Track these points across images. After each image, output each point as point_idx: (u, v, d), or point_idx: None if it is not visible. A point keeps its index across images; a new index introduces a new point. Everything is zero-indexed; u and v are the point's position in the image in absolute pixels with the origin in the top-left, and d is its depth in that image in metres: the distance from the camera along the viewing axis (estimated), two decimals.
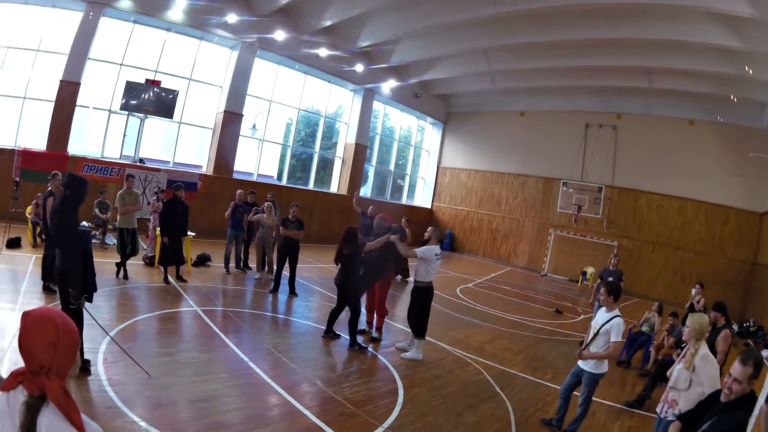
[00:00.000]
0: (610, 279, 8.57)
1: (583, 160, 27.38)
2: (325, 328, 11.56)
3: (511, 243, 30.78)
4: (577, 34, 20.12)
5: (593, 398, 8.15)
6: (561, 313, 18.45)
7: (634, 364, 12.56)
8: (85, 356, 7.65)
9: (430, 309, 11.30)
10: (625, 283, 13.92)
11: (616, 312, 7.71)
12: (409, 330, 11.43)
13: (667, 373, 6.41)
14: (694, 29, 17.58)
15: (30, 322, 2.44)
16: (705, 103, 22.97)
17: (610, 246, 25.98)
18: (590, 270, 25.78)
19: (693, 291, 13.58)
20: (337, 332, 11.53)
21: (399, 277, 19.46)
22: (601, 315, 7.88)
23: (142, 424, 6.41)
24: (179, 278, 14.25)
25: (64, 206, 7.52)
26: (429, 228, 11.46)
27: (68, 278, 7.31)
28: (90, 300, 8.08)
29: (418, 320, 11.08)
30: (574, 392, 8.28)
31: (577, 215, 27.47)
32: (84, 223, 14.85)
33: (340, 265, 11.27)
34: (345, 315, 11.42)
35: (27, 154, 17.80)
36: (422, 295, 11.06)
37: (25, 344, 2.41)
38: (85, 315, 7.78)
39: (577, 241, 27.85)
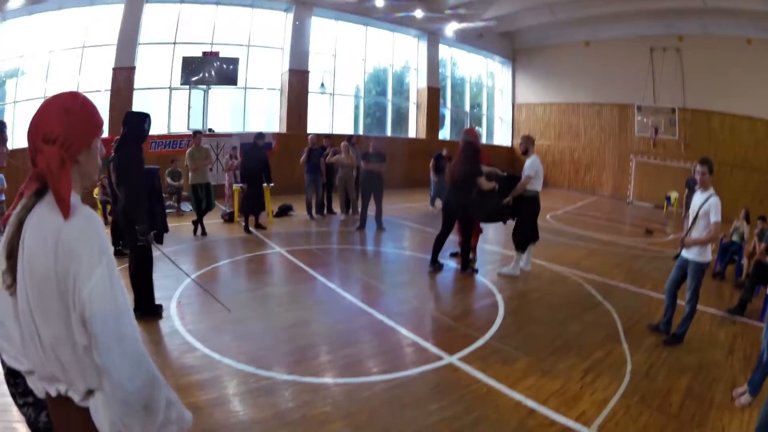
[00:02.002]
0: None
1: (653, 84, 26.19)
2: (430, 258, 10.92)
3: (594, 173, 29.97)
4: None
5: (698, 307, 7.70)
6: (651, 233, 17.82)
7: (728, 277, 11.91)
8: (157, 302, 7.63)
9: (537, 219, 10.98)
10: None
11: (712, 191, 7.29)
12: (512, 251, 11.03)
13: None
14: None
15: (49, 98, 2.15)
16: (760, 21, 22.02)
17: (690, 170, 25.15)
18: (674, 195, 24.93)
19: None
20: (441, 261, 11.05)
21: None
22: (697, 197, 7.45)
23: (215, 356, 6.29)
24: (259, 226, 14.16)
25: (123, 144, 7.28)
26: (521, 137, 11.08)
27: (134, 214, 7.10)
28: (160, 241, 8.00)
29: (526, 231, 10.73)
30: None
31: (655, 138, 26.37)
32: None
33: (453, 186, 10.71)
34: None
35: None
36: (534, 204, 10.72)
37: (35, 117, 2.10)
38: (164, 259, 7.68)
39: (658, 167, 26.78)
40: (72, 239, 1.97)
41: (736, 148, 23.52)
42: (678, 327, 7.61)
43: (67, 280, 1.95)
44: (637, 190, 27.41)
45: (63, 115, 2.08)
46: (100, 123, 2.26)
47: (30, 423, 3.54)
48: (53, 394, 2.19)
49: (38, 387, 2.30)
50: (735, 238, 12.34)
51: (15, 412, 3.86)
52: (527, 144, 10.82)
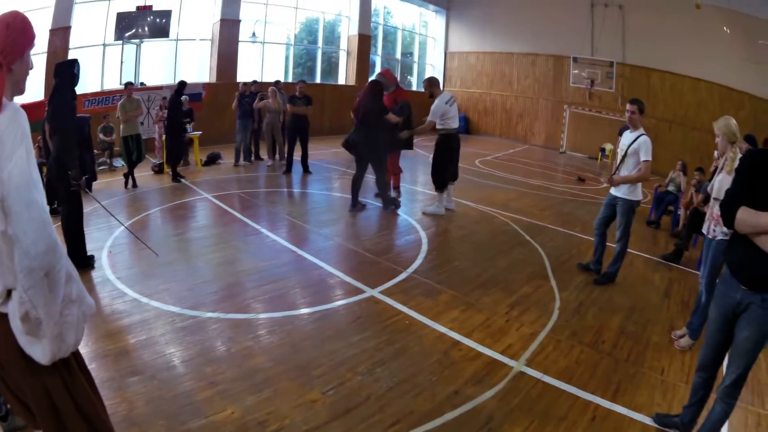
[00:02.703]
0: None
1: (591, 38, 26.22)
2: (351, 199, 11.03)
3: (527, 122, 29.94)
4: None
5: (629, 250, 7.86)
6: (583, 180, 17.98)
7: (664, 226, 12.13)
8: (89, 253, 7.50)
9: (458, 157, 11.07)
10: None
11: (641, 131, 7.36)
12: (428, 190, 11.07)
13: (708, 188, 5.99)
14: None
15: None
16: None
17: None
18: (608, 146, 25.14)
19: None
20: (362, 202, 11.17)
21: None
22: (626, 137, 7.55)
23: (143, 299, 6.24)
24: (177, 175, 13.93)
25: (57, 92, 7.16)
26: (424, 80, 11.10)
27: (66, 160, 6.97)
28: (89, 189, 7.86)
29: (442, 169, 10.74)
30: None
31: (591, 89, 26.48)
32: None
33: (357, 123, 10.77)
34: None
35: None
36: (447, 143, 10.71)
37: None
38: (96, 212, 7.56)
39: (593, 118, 26.92)
40: (0, 130, 2.17)
41: (676, 107, 23.78)
42: (609, 266, 7.71)
43: None
44: (570, 140, 27.58)
45: (4, 29, 2.33)
46: (33, 36, 2.51)
47: None
48: None
49: None
50: (671, 188, 12.52)
51: None
52: (431, 87, 10.82)
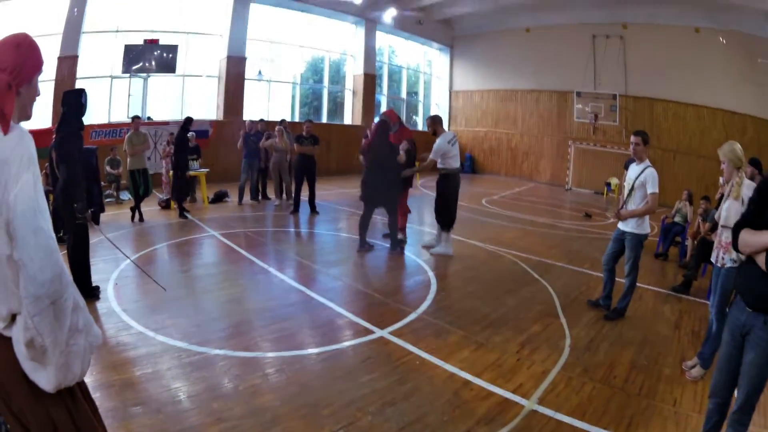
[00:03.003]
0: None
1: (594, 71, 26.28)
2: (359, 240, 10.95)
3: (532, 160, 29.95)
4: None
5: (638, 284, 7.78)
6: (590, 216, 17.93)
7: (672, 258, 12.06)
8: (94, 284, 7.49)
9: (458, 198, 10.95)
10: None
11: (647, 163, 7.36)
12: (435, 230, 11.06)
13: (715, 216, 5.97)
14: None
15: (4, 37, 2.39)
16: (708, 10, 22.27)
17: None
18: (614, 181, 25.14)
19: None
20: (370, 242, 11.11)
21: None
22: (633, 170, 7.53)
23: (150, 333, 6.21)
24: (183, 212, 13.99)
25: (64, 121, 7.18)
26: (428, 118, 11.19)
27: (72, 192, 6.96)
28: (97, 221, 7.97)
29: (446, 210, 10.68)
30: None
31: (595, 123, 26.48)
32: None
33: (367, 165, 10.82)
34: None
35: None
36: (448, 183, 10.68)
37: None
38: (102, 244, 7.54)
39: (597, 153, 26.91)
40: (6, 152, 2.16)
41: (680, 136, 23.81)
42: (618, 301, 7.64)
43: None
44: (576, 176, 27.53)
45: (14, 49, 2.35)
46: (42, 61, 2.52)
47: None
48: None
49: None
50: (678, 219, 12.48)
51: None
52: (434, 125, 10.86)
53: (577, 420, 4.74)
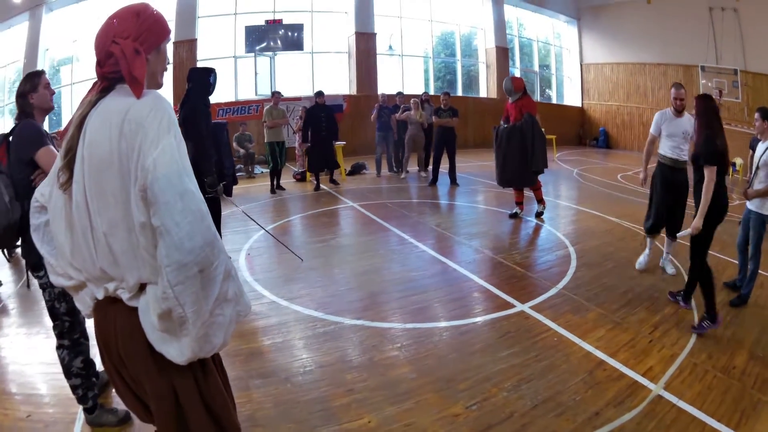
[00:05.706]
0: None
1: (714, 44, 25.35)
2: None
3: None
4: None
5: (760, 271, 7.37)
6: None
7: None
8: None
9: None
10: None
11: None
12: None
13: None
14: None
15: (116, 11, 2.25)
16: None
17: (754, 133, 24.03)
18: (739, 161, 24.10)
19: None
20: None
21: None
22: (760, 148, 7.19)
23: (283, 302, 6.38)
24: (333, 182, 14.51)
25: (188, 98, 7.39)
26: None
27: (202, 167, 7.03)
28: (229, 193, 8.05)
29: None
30: None
31: (720, 100, 25.43)
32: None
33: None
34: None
35: None
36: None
37: (104, 25, 2.21)
38: (234, 216, 7.76)
39: (725, 131, 25.55)
40: (141, 115, 2.04)
41: None
42: (743, 288, 7.40)
43: (131, 157, 2.01)
44: None
45: (134, 17, 2.18)
46: (168, 30, 2.35)
47: (64, 366, 3.94)
48: (100, 296, 2.25)
49: (86, 301, 2.34)
50: None
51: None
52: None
53: (696, 410, 4.63)
